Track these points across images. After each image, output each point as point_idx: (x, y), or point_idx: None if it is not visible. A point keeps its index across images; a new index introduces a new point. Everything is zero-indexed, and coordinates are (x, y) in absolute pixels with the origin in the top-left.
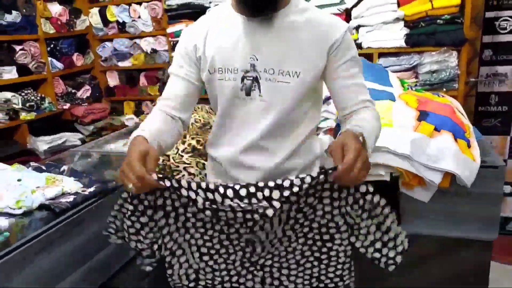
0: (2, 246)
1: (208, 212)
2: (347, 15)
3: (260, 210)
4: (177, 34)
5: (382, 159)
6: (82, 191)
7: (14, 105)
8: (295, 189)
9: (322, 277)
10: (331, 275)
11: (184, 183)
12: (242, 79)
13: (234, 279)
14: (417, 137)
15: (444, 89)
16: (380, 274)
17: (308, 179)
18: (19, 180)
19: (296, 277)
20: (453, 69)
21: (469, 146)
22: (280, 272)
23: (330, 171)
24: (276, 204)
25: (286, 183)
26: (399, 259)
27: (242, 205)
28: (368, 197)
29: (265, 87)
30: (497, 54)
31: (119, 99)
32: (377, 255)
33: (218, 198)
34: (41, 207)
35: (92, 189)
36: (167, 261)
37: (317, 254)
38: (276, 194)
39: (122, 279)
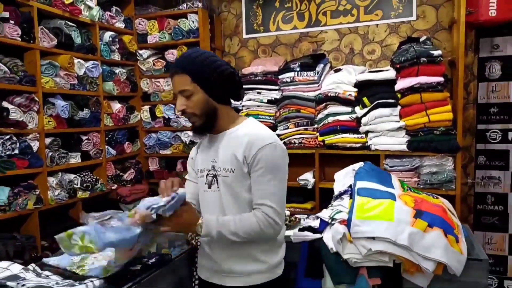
0: None
1: None
2: (357, 122)
3: None
4: None
5: (386, 248)
6: None
7: (74, 185)
8: None
9: None
10: None
11: None
12: (206, 176)
13: None
14: (413, 231)
15: (443, 189)
16: None
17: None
18: None
19: None
20: (450, 172)
21: (457, 241)
22: None
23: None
24: None
25: None
26: None
27: None
28: None
29: (219, 181)
30: (490, 160)
31: (157, 181)
32: None
33: None
34: None
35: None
36: None
37: None
38: None
39: None
